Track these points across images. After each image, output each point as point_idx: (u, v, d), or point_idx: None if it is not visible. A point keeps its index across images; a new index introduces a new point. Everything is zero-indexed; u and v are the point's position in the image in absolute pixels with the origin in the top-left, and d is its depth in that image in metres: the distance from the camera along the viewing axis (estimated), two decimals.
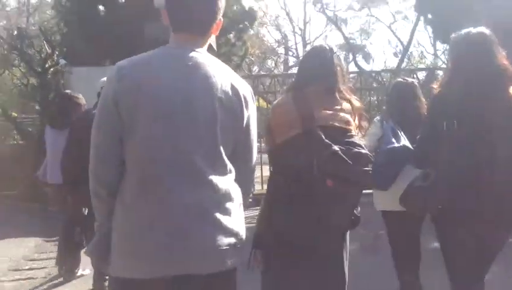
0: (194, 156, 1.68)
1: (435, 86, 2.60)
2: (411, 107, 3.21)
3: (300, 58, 6.71)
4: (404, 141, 2.95)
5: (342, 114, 2.23)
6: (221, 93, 1.70)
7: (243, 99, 1.78)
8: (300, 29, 32.08)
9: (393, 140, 2.95)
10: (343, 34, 27.06)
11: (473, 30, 2.47)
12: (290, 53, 30.29)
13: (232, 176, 1.81)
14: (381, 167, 2.86)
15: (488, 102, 2.35)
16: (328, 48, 2.39)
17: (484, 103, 2.34)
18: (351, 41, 27.44)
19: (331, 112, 2.21)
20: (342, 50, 28.09)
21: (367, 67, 25.08)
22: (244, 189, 1.90)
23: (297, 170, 2.12)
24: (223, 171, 1.76)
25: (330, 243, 2.20)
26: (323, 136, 2.10)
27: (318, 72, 2.33)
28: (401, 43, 25.50)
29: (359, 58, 27.07)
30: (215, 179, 1.71)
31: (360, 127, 2.35)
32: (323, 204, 2.08)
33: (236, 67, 11.44)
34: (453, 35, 2.55)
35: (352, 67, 20.51)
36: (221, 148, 1.73)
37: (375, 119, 3.35)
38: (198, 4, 1.74)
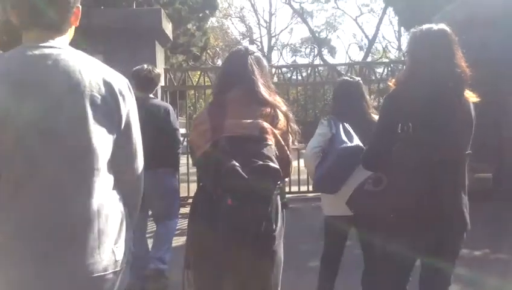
0: (54, 169, 1.48)
1: (391, 83, 2.48)
2: (357, 106, 3.13)
3: (262, 53, 6.82)
4: (357, 141, 2.84)
5: (255, 121, 2.08)
6: (90, 90, 1.51)
7: (118, 94, 1.58)
8: (265, 21, 32.02)
9: (346, 139, 2.84)
10: (309, 27, 27.00)
11: (434, 27, 2.35)
12: (255, 46, 29.94)
13: (109, 186, 1.59)
14: (330, 169, 2.75)
15: (444, 105, 2.27)
16: (243, 50, 2.30)
17: (439, 106, 2.26)
18: (317, 34, 27.36)
19: (242, 119, 2.08)
20: (308, 43, 28.06)
21: (332, 61, 24.95)
22: (130, 200, 1.69)
23: (208, 187, 2.02)
24: (97, 183, 1.53)
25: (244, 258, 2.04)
26: (227, 148, 1.97)
27: (235, 76, 2.22)
28: (367, 36, 25.62)
29: (325, 52, 27.01)
30: (84, 193, 1.50)
31: (291, 131, 2.21)
32: (227, 222, 1.92)
33: (195, 59, 11.04)
34: (413, 29, 2.43)
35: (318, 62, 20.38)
36: (95, 155, 1.52)
37: (322, 120, 3.22)
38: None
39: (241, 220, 1.90)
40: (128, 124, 1.62)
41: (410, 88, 2.30)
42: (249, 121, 2.07)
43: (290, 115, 2.24)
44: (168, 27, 8.01)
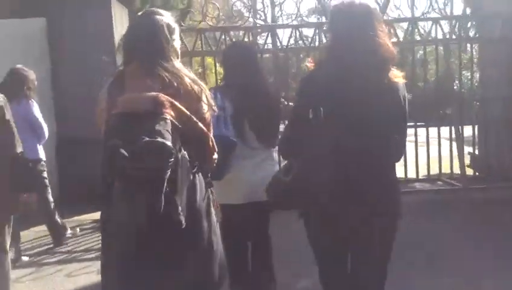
0: None
1: (309, 63, 2.36)
2: (250, 77, 2.99)
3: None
4: (228, 130, 2.76)
5: (149, 94, 1.91)
6: None
7: None
8: None
9: (223, 125, 2.74)
10: None
11: (356, 1, 2.18)
12: (259, 16, 28.39)
13: None
14: None
15: (361, 86, 2.09)
16: (146, 14, 2.15)
17: (356, 88, 2.09)
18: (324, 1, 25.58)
19: (136, 93, 1.93)
20: (315, 13, 26.40)
21: None
22: None
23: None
24: None
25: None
26: (116, 127, 1.85)
27: (132, 46, 2.09)
28: (378, 4, 23.73)
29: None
30: None
31: (205, 102, 2.07)
32: (115, 207, 1.85)
33: (182, 14, 9.58)
34: (334, 2, 2.32)
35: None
36: None
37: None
38: None
39: (128, 204, 1.80)
40: None
41: (324, 69, 2.23)
42: (141, 94, 1.91)
43: (201, 84, 2.09)
44: None
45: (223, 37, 6.13)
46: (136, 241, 1.88)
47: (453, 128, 6.54)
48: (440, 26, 6.27)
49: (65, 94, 5.97)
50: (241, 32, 6.69)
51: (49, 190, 4.71)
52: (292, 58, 7.82)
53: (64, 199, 5.51)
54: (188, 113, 1.95)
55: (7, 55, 5.40)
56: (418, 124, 6.18)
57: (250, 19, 8.90)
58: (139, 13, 2.26)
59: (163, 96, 1.89)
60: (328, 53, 2.29)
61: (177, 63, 2.08)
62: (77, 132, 4.97)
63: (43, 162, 4.61)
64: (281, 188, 2.29)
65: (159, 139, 1.77)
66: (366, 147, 2.10)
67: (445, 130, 6.55)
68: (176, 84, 1.96)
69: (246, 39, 6.13)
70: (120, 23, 6.43)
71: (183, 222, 1.89)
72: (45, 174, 4.67)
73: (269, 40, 6.97)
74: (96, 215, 5.72)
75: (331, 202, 2.11)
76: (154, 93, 1.89)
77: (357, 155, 2.09)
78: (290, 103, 3.73)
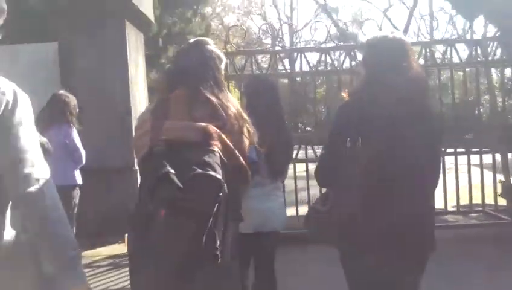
0: None
1: (344, 94, 2.42)
2: (269, 107, 2.99)
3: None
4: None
5: (198, 124, 1.91)
6: None
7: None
8: (287, 17, 30.59)
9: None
10: (333, 20, 25.21)
11: (390, 35, 2.33)
12: (277, 42, 28.51)
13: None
14: None
15: (400, 117, 2.11)
16: (194, 42, 2.20)
17: (394, 118, 2.10)
18: (342, 28, 25.54)
19: (184, 121, 1.93)
20: (333, 39, 26.26)
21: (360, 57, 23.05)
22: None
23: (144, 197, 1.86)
24: None
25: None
26: (163, 154, 1.82)
27: (180, 73, 2.08)
28: (397, 29, 23.62)
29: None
30: None
31: (246, 135, 2.06)
32: (158, 236, 1.78)
33: None
34: (366, 38, 2.46)
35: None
36: None
37: None
38: None
39: (173, 234, 1.77)
40: (16, 142, 1.46)
41: (363, 99, 2.22)
42: (191, 123, 1.93)
43: (245, 116, 2.09)
44: (144, 3, 6.29)
45: (245, 61, 5.94)
46: (173, 271, 1.86)
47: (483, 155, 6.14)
48: (456, 49, 5.93)
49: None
50: (262, 57, 6.51)
51: (73, 222, 4.49)
52: (311, 82, 7.59)
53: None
54: (232, 147, 1.94)
55: (20, 79, 5.24)
56: (447, 150, 5.79)
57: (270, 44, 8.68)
58: (191, 41, 2.26)
59: (212, 128, 1.90)
60: (364, 84, 2.31)
61: (226, 93, 2.10)
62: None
63: (77, 188, 4.60)
64: (318, 220, 2.28)
65: (211, 173, 1.78)
66: (408, 174, 2.09)
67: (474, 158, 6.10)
68: (223, 115, 1.96)
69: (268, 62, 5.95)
70: (135, 48, 6.25)
71: (220, 256, 1.88)
72: (76, 201, 4.62)
73: (287, 65, 6.76)
74: (109, 250, 5.40)
75: (368, 242, 2.07)
76: (203, 124, 1.90)
77: (397, 184, 2.08)
78: (307, 128, 3.75)
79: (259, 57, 6.99)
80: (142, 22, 6.46)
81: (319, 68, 6.17)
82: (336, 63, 6.21)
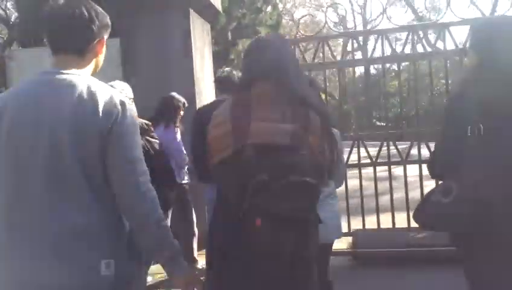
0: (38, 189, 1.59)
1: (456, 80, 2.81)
2: None
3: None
4: None
5: (286, 125, 1.83)
6: (76, 112, 1.59)
7: (102, 114, 1.60)
8: (360, 6, 29.52)
9: None
10: (412, 8, 23.84)
11: (496, 19, 2.60)
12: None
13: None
14: None
15: None
16: (273, 36, 2.22)
17: None
18: (421, 15, 24.11)
19: (271, 123, 1.84)
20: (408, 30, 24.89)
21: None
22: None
23: (229, 201, 1.83)
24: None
25: None
26: (253, 159, 1.74)
27: (262, 67, 1.96)
28: (483, 14, 21.88)
29: (431, 37, 23.65)
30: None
31: (327, 137, 1.92)
32: (256, 246, 1.76)
33: None
34: (478, 22, 2.59)
35: (420, 49, 17.40)
36: (77, 171, 1.58)
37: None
38: (71, 22, 1.69)
39: (272, 244, 1.75)
40: (119, 145, 1.62)
41: (479, 86, 2.16)
42: (279, 126, 1.84)
43: (328, 116, 2.01)
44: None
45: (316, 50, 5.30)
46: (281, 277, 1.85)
47: None
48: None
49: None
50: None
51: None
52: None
53: None
54: (317, 149, 1.87)
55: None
56: None
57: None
58: (259, 36, 2.23)
59: (300, 130, 1.84)
60: (476, 71, 2.27)
61: (307, 88, 2.05)
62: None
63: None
64: (440, 211, 2.16)
65: (307, 179, 1.74)
66: None
67: None
68: (307, 113, 1.89)
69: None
70: (201, 39, 5.80)
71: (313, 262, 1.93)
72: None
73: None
74: None
75: (498, 223, 2.01)
76: (291, 126, 1.83)
77: None
78: (381, 123, 3.41)
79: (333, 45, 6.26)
80: (208, 12, 6.01)
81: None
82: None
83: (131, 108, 1.67)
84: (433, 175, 2.47)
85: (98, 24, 1.71)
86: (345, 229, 4.25)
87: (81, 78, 1.66)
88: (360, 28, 27.52)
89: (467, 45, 2.76)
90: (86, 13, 1.69)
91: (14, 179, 1.60)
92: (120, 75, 5.40)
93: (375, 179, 5.09)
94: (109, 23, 1.77)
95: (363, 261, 4.82)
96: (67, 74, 1.65)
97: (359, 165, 5.11)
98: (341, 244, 4.83)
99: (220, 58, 8.27)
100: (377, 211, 5.02)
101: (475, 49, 2.31)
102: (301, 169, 1.75)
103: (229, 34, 8.58)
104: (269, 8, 8.73)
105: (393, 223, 5.03)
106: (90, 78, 1.70)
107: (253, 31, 8.11)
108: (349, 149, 5.00)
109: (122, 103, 1.63)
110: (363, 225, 5.08)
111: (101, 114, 1.59)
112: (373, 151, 5.16)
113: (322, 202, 2.63)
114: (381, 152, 5.25)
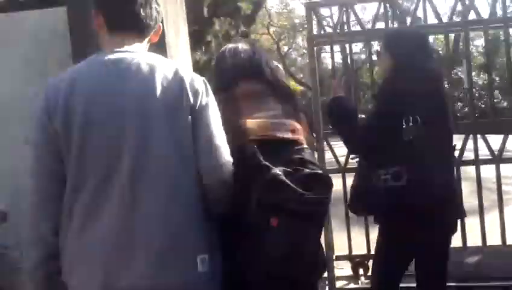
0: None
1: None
2: None
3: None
4: None
5: (284, 120, 1.91)
6: (163, 92, 1.60)
7: (190, 92, 1.66)
8: None
9: None
10: None
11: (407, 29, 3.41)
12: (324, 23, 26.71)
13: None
14: None
15: (437, 97, 2.88)
16: (241, 45, 2.22)
17: (435, 98, 2.86)
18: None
19: (268, 118, 1.90)
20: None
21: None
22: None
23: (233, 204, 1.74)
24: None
25: None
26: (259, 155, 1.72)
27: (244, 64, 2.09)
28: None
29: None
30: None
31: (312, 133, 2.15)
32: (271, 251, 1.64)
33: (248, 21, 7.73)
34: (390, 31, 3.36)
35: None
36: (170, 156, 1.59)
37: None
38: (137, 3, 1.72)
39: (293, 244, 1.65)
40: (205, 123, 1.65)
41: (405, 81, 2.66)
42: (277, 120, 1.89)
43: (308, 112, 2.16)
44: None
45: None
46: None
47: None
48: None
49: None
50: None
51: None
52: None
53: None
54: (312, 144, 2.05)
55: (26, 52, 4.27)
56: None
57: None
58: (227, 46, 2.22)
59: (296, 123, 1.91)
60: (395, 69, 2.86)
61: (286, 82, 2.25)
62: None
63: None
64: (393, 193, 2.55)
65: (320, 171, 1.74)
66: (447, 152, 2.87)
67: None
68: (295, 107, 1.99)
69: None
70: (173, 10, 4.61)
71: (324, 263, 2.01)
72: None
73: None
74: None
75: (440, 206, 2.62)
76: (289, 120, 1.89)
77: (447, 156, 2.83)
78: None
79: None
80: None
81: None
82: None
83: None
84: (354, 151, 3.03)
85: (158, 8, 1.78)
86: None
87: (157, 57, 1.70)
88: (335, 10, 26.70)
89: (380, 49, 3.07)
90: None
91: (99, 176, 1.54)
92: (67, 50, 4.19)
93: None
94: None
95: None
96: (138, 53, 1.68)
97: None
98: None
99: (195, 41, 7.09)
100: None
101: (390, 52, 2.91)
102: (310, 162, 1.77)
103: (205, 10, 7.36)
104: None
105: None
106: (161, 57, 1.74)
107: (234, 7, 6.92)
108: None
109: (204, 81, 1.72)
110: None
111: (189, 92, 1.63)
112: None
113: None
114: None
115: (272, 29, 29.60)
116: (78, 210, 1.56)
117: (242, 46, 2.15)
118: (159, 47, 4.17)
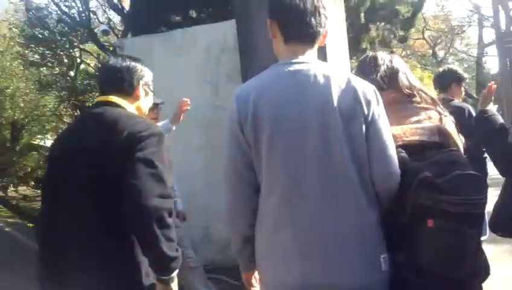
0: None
1: None
2: None
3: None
4: None
5: (429, 124, 1.90)
6: (339, 102, 1.68)
7: (364, 102, 1.70)
8: None
9: None
10: None
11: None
12: (487, 24, 24.56)
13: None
14: None
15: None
16: (373, 54, 2.17)
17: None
18: None
19: (413, 124, 1.90)
20: None
21: None
22: None
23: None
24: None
25: None
26: (407, 160, 1.75)
27: (384, 73, 2.04)
28: None
29: None
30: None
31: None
32: (428, 253, 1.64)
33: (406, 25, 7.41)
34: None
35: None
36: (348, 163, 1.66)
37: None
38: (308, 12, 1.77)
39: (451, 245, 1.63)
40: (376, 130, 1.70)
41: None
42: (421, 125, 1.89)
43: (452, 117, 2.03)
44: None
45: None
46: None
47: None
48: None
49: None
50: None
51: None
52: None
53: None
54: (459, 146, 1.94)
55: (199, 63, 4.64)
56: None
57: None
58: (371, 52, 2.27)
59: (442, 127, 1.89)
60: None
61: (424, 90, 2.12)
62: None
63: None
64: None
65: (472, 172, 1.70)
66: None
67: None
68: (439, 112, 1.95)
69: None
70: (335, 16, 4.62)
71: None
72: None
73: None
74: None
75: None
76: (434, 124, 1.89)
77: None
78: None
79: None
80: None
81: None
82: None
83: None
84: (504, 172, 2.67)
85: (326, 13, 1.78)
86: None
87: (329, 67, 1.75)
88: (501, 14, 24.31)
89: None
90: (316, 1, 1.76)
91: (287, 183, 1.65)
92: (236, 62, 4.44)
93: None
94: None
95: None
96: (312, 64, 1.74)
97: None
98: None
99: (350, 47, 7.03)
100: None
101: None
102: (463, 163, 1.74)
103: (361, 15, 7.28)
104: None
105: None
106: (333, 66, 1.82)
107: (392, 11, 6.72)
108: None
109: (375, 90, 1.73)
110: None
111: (363, 102, 1.67)
112: None
113: None
114: None
115: (426, 34, 28.16)
116: (269, 211, 1.69)
117: (381, 55, 2.14)
118: (319, 51, 4.21)
